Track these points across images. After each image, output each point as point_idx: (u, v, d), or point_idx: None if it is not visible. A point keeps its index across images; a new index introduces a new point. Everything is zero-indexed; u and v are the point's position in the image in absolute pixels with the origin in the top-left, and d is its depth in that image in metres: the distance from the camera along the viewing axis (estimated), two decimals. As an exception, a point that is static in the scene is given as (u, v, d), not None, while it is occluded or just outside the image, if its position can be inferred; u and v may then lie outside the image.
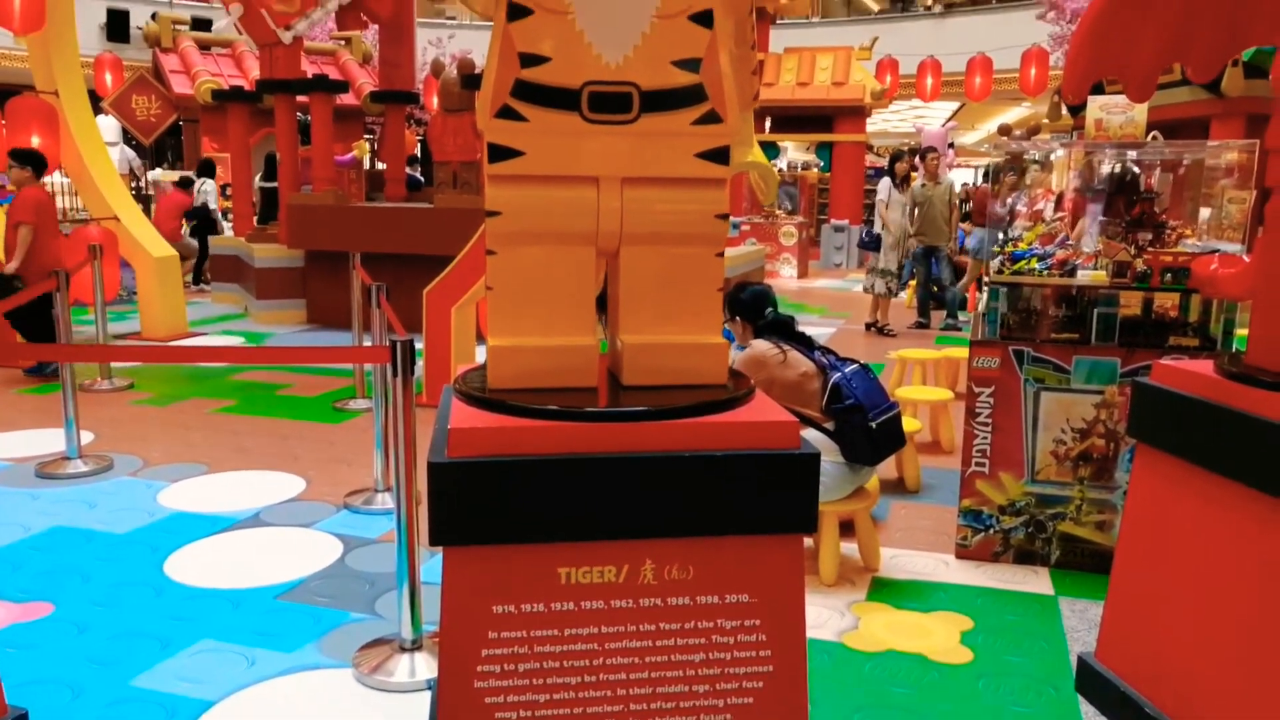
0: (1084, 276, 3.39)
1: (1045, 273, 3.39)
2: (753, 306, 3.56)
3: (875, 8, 28.90)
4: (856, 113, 15.57)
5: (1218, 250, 3.29)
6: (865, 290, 9.43)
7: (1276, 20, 2.00)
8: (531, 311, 1.81)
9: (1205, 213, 4.04)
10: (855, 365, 3.39)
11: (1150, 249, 3.43)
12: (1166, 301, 3.41)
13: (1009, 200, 5.19)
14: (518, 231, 1.79)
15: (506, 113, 1.73)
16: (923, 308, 9.55)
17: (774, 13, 15.35)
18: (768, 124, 16.17)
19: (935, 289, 9.57)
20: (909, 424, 4.30)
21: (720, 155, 1.82)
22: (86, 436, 5.00)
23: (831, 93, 15.22)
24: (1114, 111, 3.56)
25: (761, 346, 3.35)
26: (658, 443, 1.66)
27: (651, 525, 1.65)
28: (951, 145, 15.59)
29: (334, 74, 12.44)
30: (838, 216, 16.02)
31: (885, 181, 9.20)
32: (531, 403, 1.70)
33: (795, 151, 18.48)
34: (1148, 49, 2.23)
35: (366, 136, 14.09)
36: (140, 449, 4.94)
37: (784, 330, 3.47)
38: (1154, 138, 5.37)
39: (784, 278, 13.96)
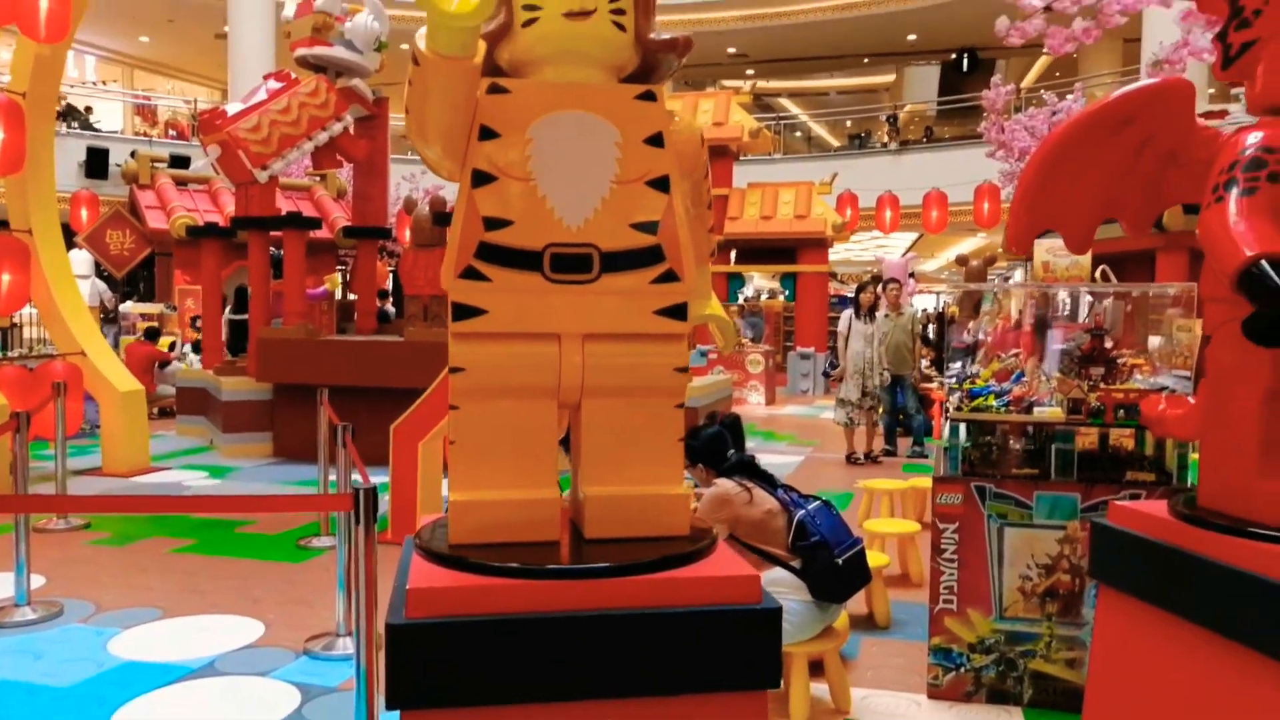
0: (1041, 413, 3.46)
1: (1003, 409, 3.46)
2: (711, 450, 3.58)
3: (835, 144, 30.17)
4: (819, 244, 16.04)
5: (1166, 388, 3.38)
6: (835, 422, 9.53)
7: (1197, 184, 2.13)
8: (494, 465, 1.83)
9: (1155, 340, 4.17)
10: (818, 502, 3.41)
11: (1103, 385, 3.52)
12: (1123, 436, 3.49)
13: (971, 331, 5.32)
14: (481, 387, 1.82)
15: (470, 273, 1.78)
16: (889, 435, 9.65)
17: (737, 150, 15.97)
18: (733, 255, 16.58)
19: (901, 417, 9.69)
20: (877, 558, 4.29)
21: (678, 312, 1.89)
22: (37, 580, 4.86)
23: (794, 225, 15.70)
24: (1060, 254, 3.71)
25: (726, 485, 3.37)
26: (619, 600, 1.66)
27: (614, 684, 1.63)
28: (912, 274, 16.02)
29: (308, 208, 12.68)
30: (803, 344, 16.29)
31: (847, 313, 9.41)
32: (492, 559, 1.70)
33: (761, 280, 18.92)
34: (1083, 207, 2.36)
35: (339, 268, 14.29)
36: (93, 592, 4.80)
37: (747, 469, 3.50)
38: (1102, 273, 5.56)
39: (752, 404, 14.07)
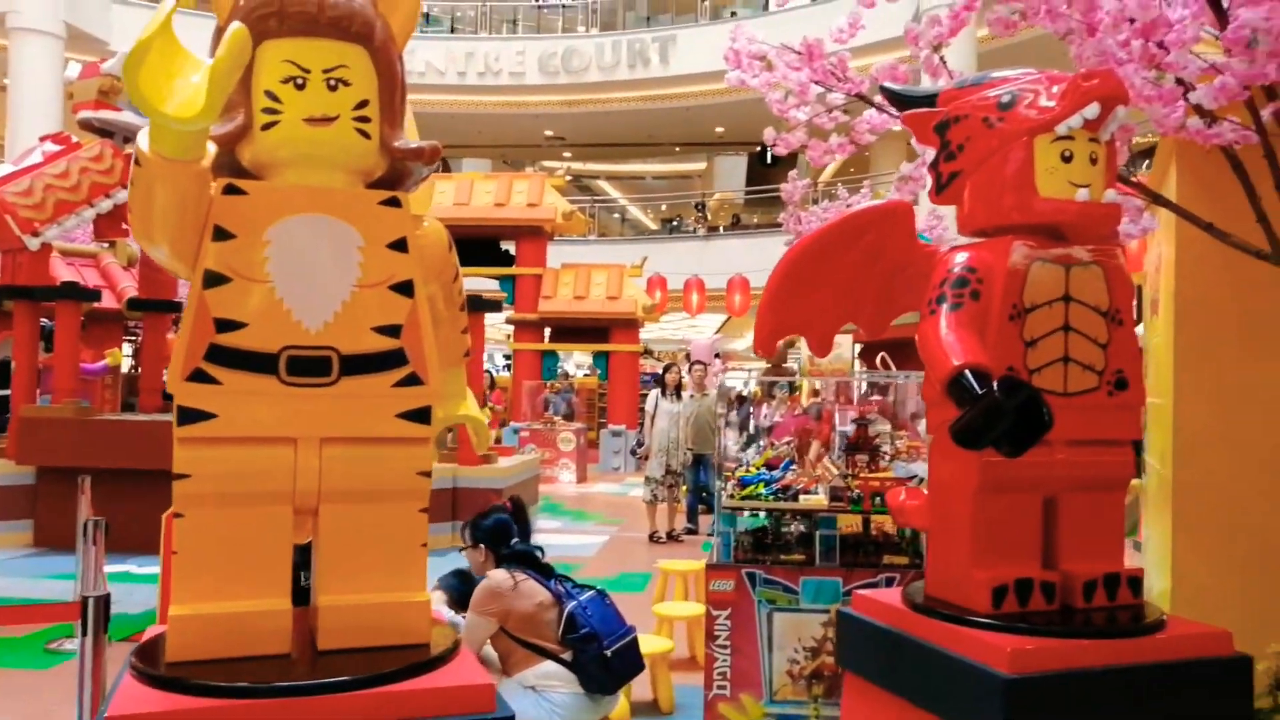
0: (806, 500, 3.63)
1: (771, 497, 3.61)
2: (496, 534, 3.56)
3: (653, 226, 31.14)
4: (630, 324, 16.39)
5: (915, 476, 3.63)
6: (642, 500, 9.64)
7: (919, 295, 2.33)
8: (220, 575, 1.75)
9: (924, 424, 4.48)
10: (592, 592, 3.43)
11: (865, 472, 3.75)
12: (885, 521, 3.71)
13: (766, 416, 5.54)
14: (208, 494, 1.75)
15: (199, 376, 1.73)
16: (691, 514, 9.85)
17: (551, 231, 16.21)
18: (547, 334, 16.69)
19: (704, 495, 9.92)
20: (660, 644, 4.34)
21: (421, 415, 1.88)
22: None
23: (606, 306, 15.99)
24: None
25: (497, 577, 3.34)
26: (344, 716, 1.61)
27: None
28: (719, 355, 16.60)
29: (94, 277, 11.87)
30: (615, 422, 16.48)
31: (654, 392, 9.62)
32: (207, 677, 1.62)
33: (582, 356, 19.10)
34: (824, 313, 2.54)
35: (127, 340, 13.39)
36: None
37: (525, 560, 3.48)
38: (881, 360, 5.94)
39: (563, 482, 14.06)
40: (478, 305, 8.53)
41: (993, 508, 2.24)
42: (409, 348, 1.87)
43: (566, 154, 27.90)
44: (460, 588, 3.70)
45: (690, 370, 9.85)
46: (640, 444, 9.60)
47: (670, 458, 9.16)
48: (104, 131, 8.88)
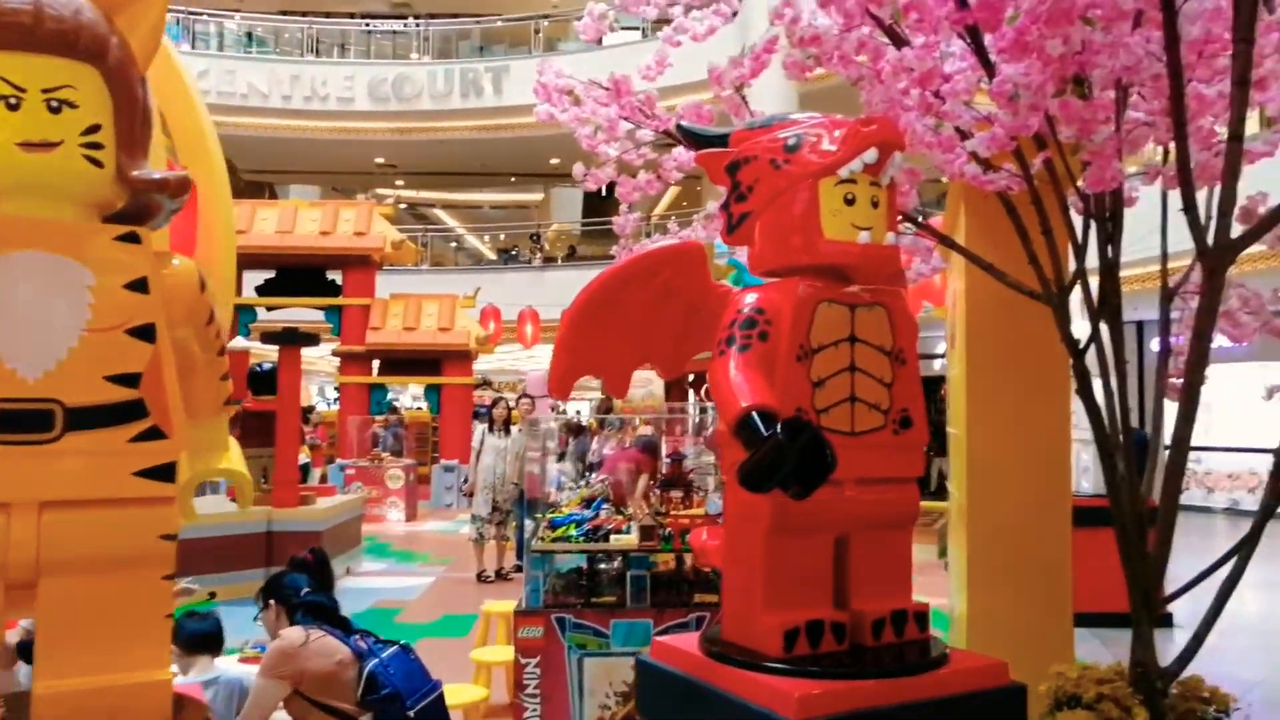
0: (617, 540, 3.58)
1: (582, 539, 3.54)
2: (286, 589, 3.35)
3: (492, 256, 30.82)
4: (463, 356, 16.08)
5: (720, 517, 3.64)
6: (468, 538, 9.39)
7: (711, 334, 2.32)
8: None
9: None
10: (395, 648, 3.26)
11: (677, 509, 3.73)
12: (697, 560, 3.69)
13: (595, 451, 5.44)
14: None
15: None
16: (520, 551, 9.65)
17: (380, 260, 15.75)
18: (375, 366, 16.17)
19: (534, 531, 9.78)
20: (474, 693, 4.17)
21: (164, 472, 1.71)
22: None
23: (438, 337, 15.64)
24: (636, 386, 3.93)
25: (289, 635, 3.13)
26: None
27: None
28: (554, 387, 16.49)
29: None
30: (447, 457, 16.09)
31: (481, 428, 9.42)
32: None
33: (418, 388, 18.56)
34: (619, 353, 2.50)
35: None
36: None
37: (321, 613, 3.28)
38: (706, 391, 5.98)
39: (391, 521, 13.59)
40: (293, 339, 8.14)
41: (784, 549, 2.23)
42: (150, 398, 1.69)
43: (399, 182, 27.31)
44: None
45: (518, 403, 9.72)
46: (466, 480, 9.38)
47: (497, 494, 8.97)
48: None
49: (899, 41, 2.86)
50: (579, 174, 3.83)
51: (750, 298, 2.29)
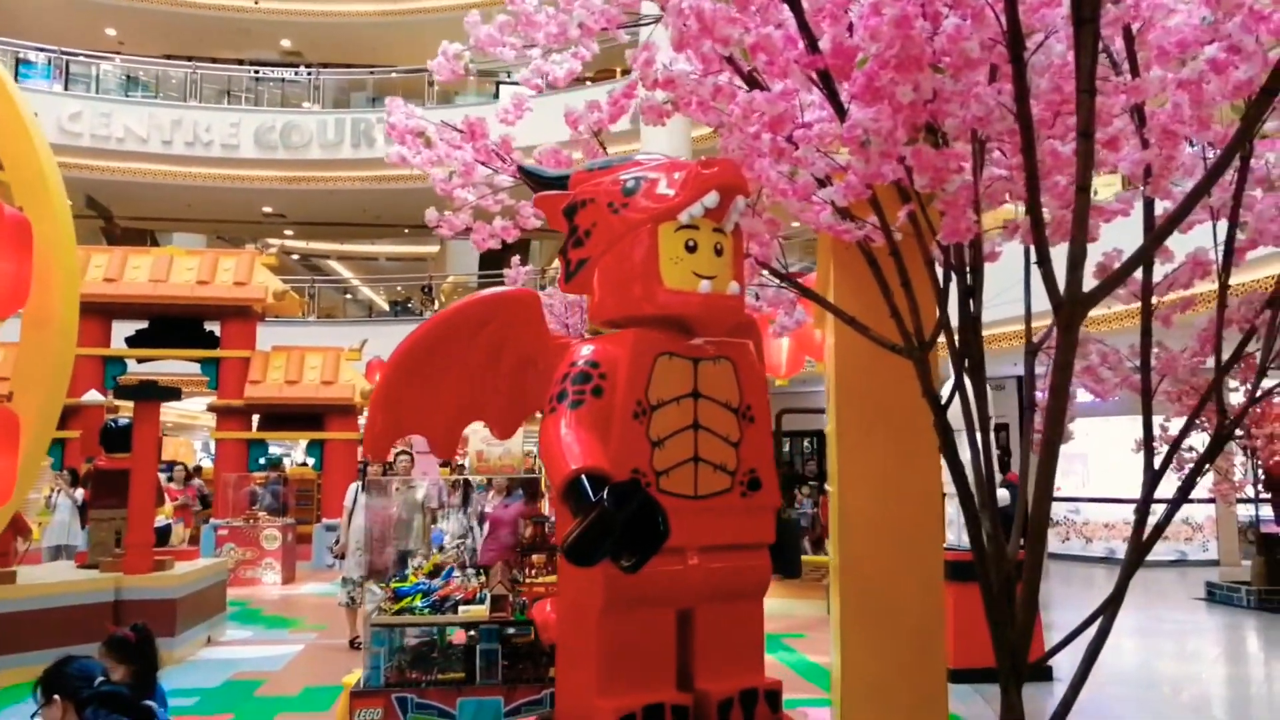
0: (468, 612, 3.32)
1: (428, 610, 3.27)
2: (74, 682, 2.96)
3: (387, 308, 30.15)
4: (348, 411, 15.52)
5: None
6: (339, 603, 8.89)
7: (544, 393, 2.13)
8: None
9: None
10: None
11: (541, 575, 3.49)
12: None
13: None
14: None
15: None
16: (399, 615, 9.21)
17: (261, 311, 15.16)
18: (255, 421, 15.47)
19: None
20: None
21: None
22: None
23: (321, 391, 15.08)
24: (492, 443, 3.70)
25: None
26: None
27: None
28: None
29: None
30: (331, 515, 15.41)
31: (354, 486, 8.99)
32: None
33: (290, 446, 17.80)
34: (445, 409, 2.28)
35: None
36: None
37: (114, 705, 2.91)
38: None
39: (266, 584, 12.88)
40: (148, 394, 7.63)
41: (620, 626, 2.04)
42: None
43: (288, 232, 26.59)
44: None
45: (397, 459, 9.30)
46: (337, 541, 8.91)
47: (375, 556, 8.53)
48: None
49: (760, 88, 2.76)
50: (431, 219, 3.62)
51: (586, 350, 2.12)
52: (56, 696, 2.95)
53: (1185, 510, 14.91)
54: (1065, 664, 7.26)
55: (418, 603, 3.27)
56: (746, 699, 2.14)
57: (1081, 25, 2.19)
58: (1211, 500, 13.39)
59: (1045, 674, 6.37)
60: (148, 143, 19.43)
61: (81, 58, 21.25)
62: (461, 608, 3.29)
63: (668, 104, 3.08)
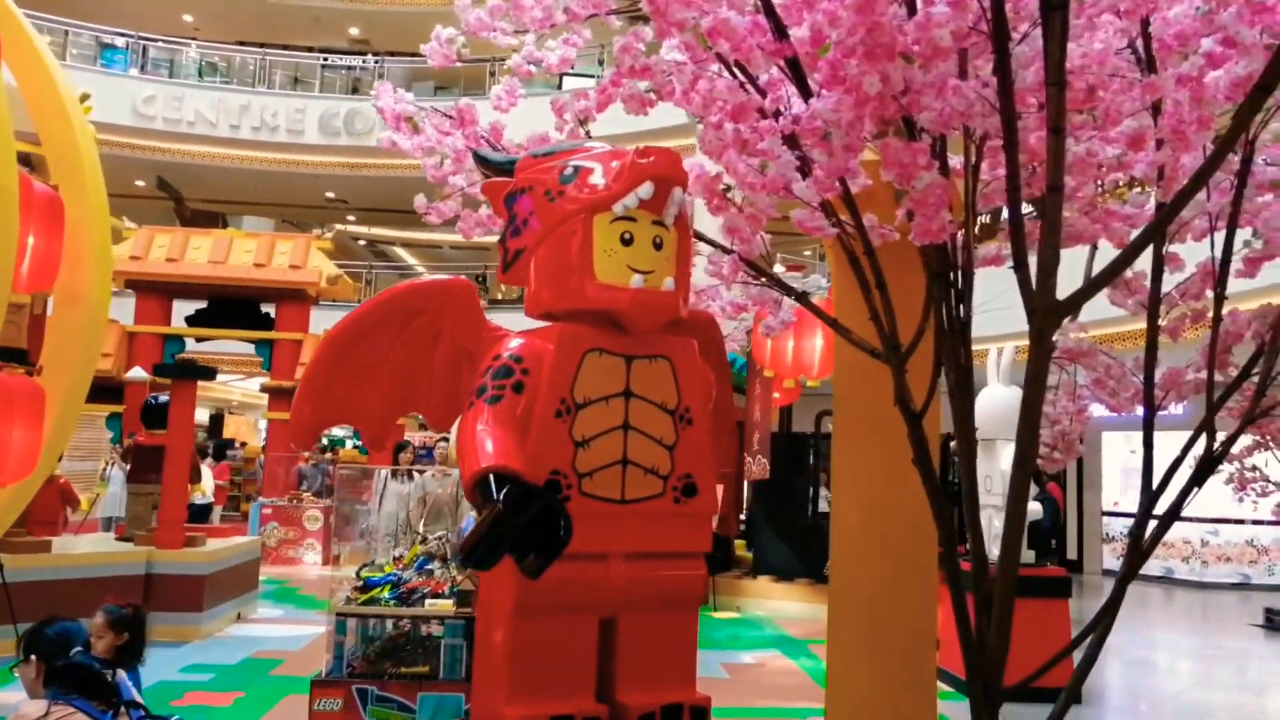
0: (434, 605, 3.27)
1: (393, 602, 3.22)
2: (53, 645, 2.99)
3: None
4: (396, 396, 15.67)
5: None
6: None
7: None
8: None
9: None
10: (164, 721, 2.91)
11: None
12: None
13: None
14: None
15: None
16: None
17: (315, 295, 15.40)
18: (305, 402, 15.72)
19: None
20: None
21: None
22: None
23: (370, 375, 15.25)
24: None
25: (25, 710, 2.76)
26: None
27: None
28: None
29: None
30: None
31: (383, 471, 9.04)
32: None
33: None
34: (376, 400, 2.22)
35: None
36: None
37: (81, 678, 2.91)
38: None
39: (306, 564, 13.09)
40: (185, 373, 7.78)
41: (533, 631, 1.95)
42: None
43: (350, 217, 27.00)
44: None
45: (397, 453, 9.30)
46: (366, 527, 8.97)
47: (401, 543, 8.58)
48: None
49: (750, 78, 2.64)
50: (420, 206, 3.57)
51: (513, 343, 2.05)
52: (33, 656, 2.99)
53: (1250, 531, 14.29)
54: (1114, 688, 6.98)
55: (385, 594, 3.23)
56: (669, 714, 2.05)
57: (1050, 11, 2.04)
58: (1278, 522, 12.83)
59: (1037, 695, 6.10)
60: (216, 127, 19.87)
61: (160, 43, 21.83)
62: (429, 601, 3.24)
63: (650, 92, 2.99)
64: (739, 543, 11.52)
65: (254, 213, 26.34)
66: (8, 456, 5.37)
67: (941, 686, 7.03)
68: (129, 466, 9.05)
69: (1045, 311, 2.29)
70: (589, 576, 1.88)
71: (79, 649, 3.05)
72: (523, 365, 1.98)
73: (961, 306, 2.82)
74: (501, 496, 1.70)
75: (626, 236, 2.00)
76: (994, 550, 7.53)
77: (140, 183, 22.03)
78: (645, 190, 1.96)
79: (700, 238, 3.04)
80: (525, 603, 1.92)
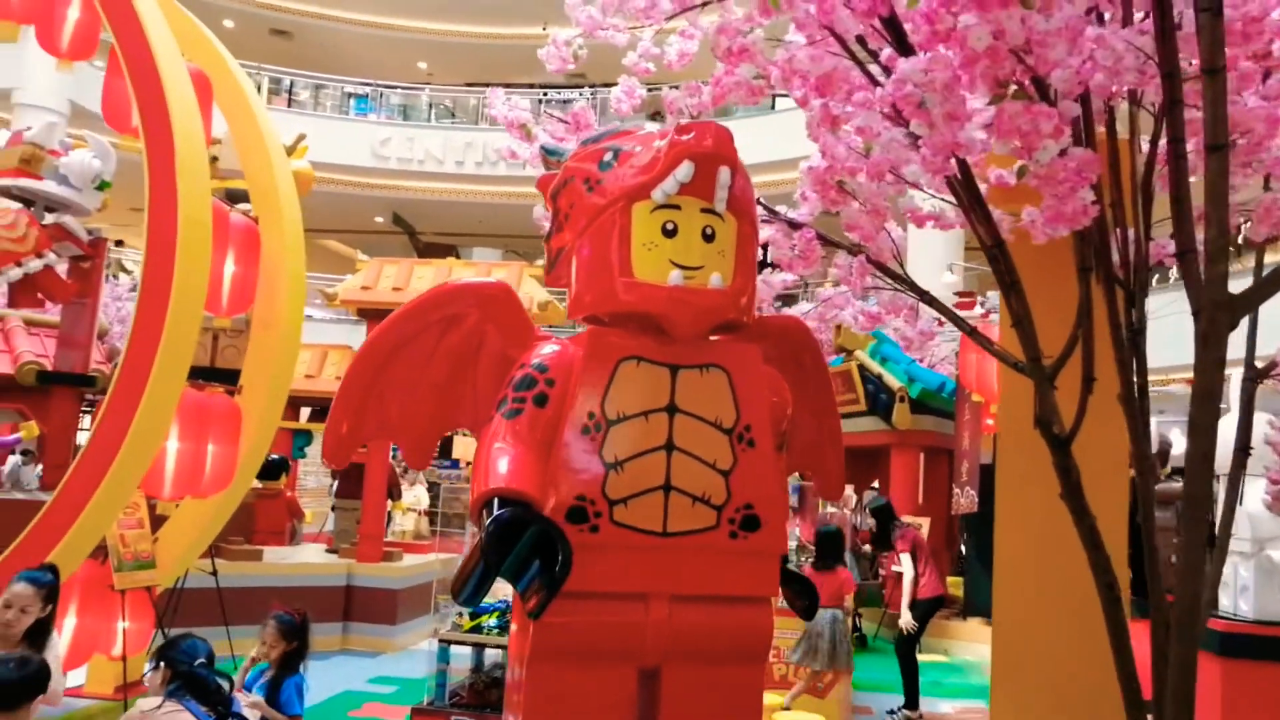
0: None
1: (495, 631, 3.07)
2: (179, 655, 3.08)
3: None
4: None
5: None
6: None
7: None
8: None
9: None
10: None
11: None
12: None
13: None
14: None
15: None
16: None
17: (526, 320, 15.91)
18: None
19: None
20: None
21: None
22: None
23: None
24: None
25: (139, 705, 2.85)
26: None
27: None
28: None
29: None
30: (582, 520, 15.86)
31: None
32: None
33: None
34: (416, 415, 2.05)
35: (87, 411, 13.07)
36: None
37: (195, 687, 2.97)
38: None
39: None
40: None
41: (555, 681, 1.70)
42: None
43: (571, 246, 27.86)
44: None
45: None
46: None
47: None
48: (25, 200, 8.70)
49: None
50: (539, 215, 3.44)
51: (544, 350, 1.82)
52: (162, 664, 3.11)
53: None
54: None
55: (492, 620, 3.08)
56: (721, 786, 1.74)
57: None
58: None
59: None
60: (444, 164, 21.08)
61: (400, 90, 23.51)
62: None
63: (758, 80, 2.70)
64: (953, 580, 10.72)
65: (482, 244, 27.75)
66: (205, 470, 5.72)
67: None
68: (335, 483, 9.57)
69: (1214, 309, 1.82)
70: (623, 620, 1.62)
71: (202, 660, 3.13)
72: (547, 375, 1.75)
73: (1134, 312, 2.35)
74: (488, 526, 1.48)
75: (669, 227, 1.74)
76: (1241, 604, 6.47)
77: (379, 219, 23.73)
78: (684, 172, 1.69)
79: (825, 239, 2.71)
80: (544, 647, 1.68)
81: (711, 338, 1.86)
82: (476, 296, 1.99)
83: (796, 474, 2.39)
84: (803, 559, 7.33)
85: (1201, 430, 1.84)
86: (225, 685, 3.11)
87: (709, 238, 1.76)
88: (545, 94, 24.45)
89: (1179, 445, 10.21)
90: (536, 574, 1.47)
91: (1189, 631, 2.02)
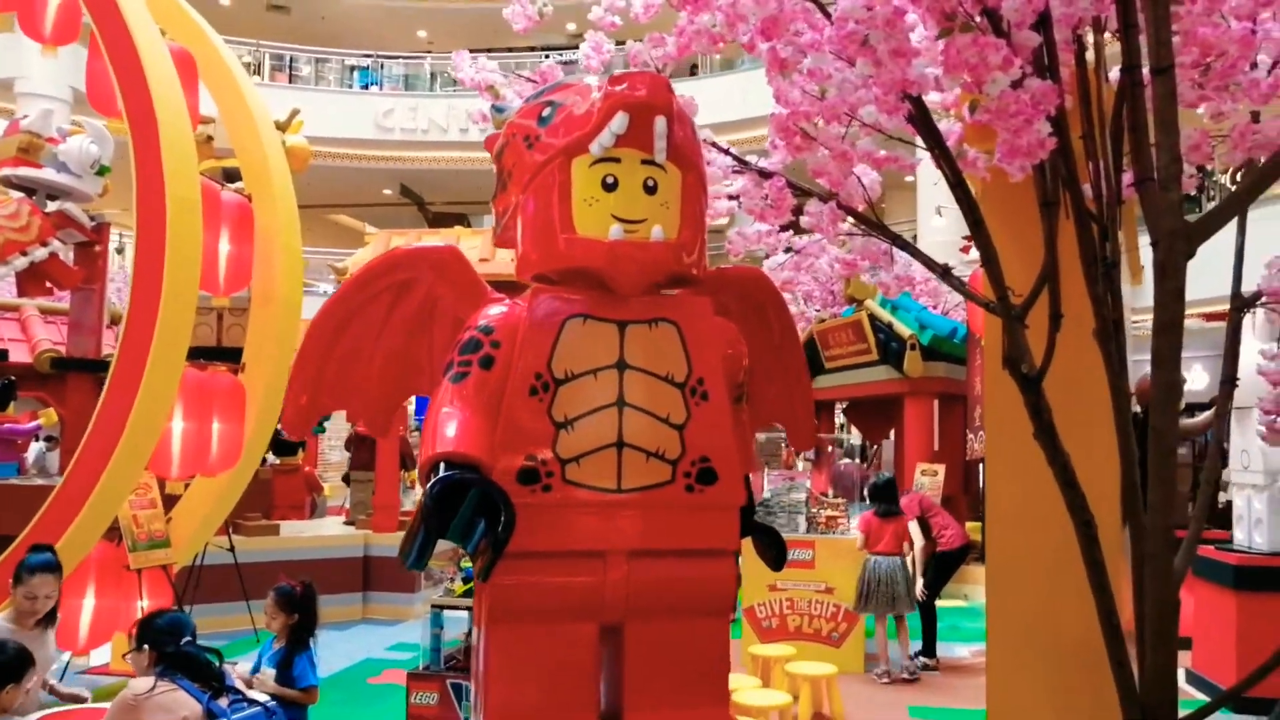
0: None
1: (487, 594, 3.09)
2: (162, 634, 3.08)
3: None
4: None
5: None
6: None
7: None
8: None
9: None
10: (256, 709, 2.92)
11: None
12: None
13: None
14: None
15: None
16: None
17: (536, 285, 15.88)
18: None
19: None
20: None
21: None
22: None
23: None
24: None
25: (135, 685, 2.87)
26: None
27: None
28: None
29: (14, 331, 11.82)
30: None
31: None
32: None
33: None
34: (372, 384, 2.05)
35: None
36: None
37: (187, 666, 2.99)
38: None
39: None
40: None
41: (518, 642, 1.71)
42: None
43: (581, 209, 27.74)
44: None
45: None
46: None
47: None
48: (26, 189, 8.74)
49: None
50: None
51: (490, 311, 1.80)
52: (145, 645, 3.11)
53: None
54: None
55: (483, 585, 3.10)
56: (687, 738, 1.74)
57: None
58: None
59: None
60: (448, 132, 20.97)
61: (402, 60, 23.35)
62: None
63: (715, 27, 2.65)
64: (972, 525, 10.71)
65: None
66: (211, 449, 5.77)
67: (1187, 692, 6.09)
68: (349, 455, 9.64)
69: (1170, 238, 1.77)
70: (581, 578, 1.62)
71: (188, 639, 3.14)
72: (493, 337, 1.74)
73: (1108, 246, 2.30)
74: (428, 490, 1.48)
75: (609, 181, 1.71)
76: (1255, 538, 6.38)
77: (387, 191, 23.68)
78: (619, 123, 1.65)
79: (795, 187, 2.66)
80: (501, 608, 1.68)
81: (667, 292, 1.84)
82: (426, 260, 1.97)
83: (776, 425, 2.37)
84: (819, 510, 7.25)
85: (1163, 362, 1.81)
86: (215, 660, 3.12)
87: (651, 190, 1.73)
88: (546, 56, 24.28)
89: (1193, 382, 10.07)
90: (482, 535, 1.48)
91: (1163, 565, 2.00)
